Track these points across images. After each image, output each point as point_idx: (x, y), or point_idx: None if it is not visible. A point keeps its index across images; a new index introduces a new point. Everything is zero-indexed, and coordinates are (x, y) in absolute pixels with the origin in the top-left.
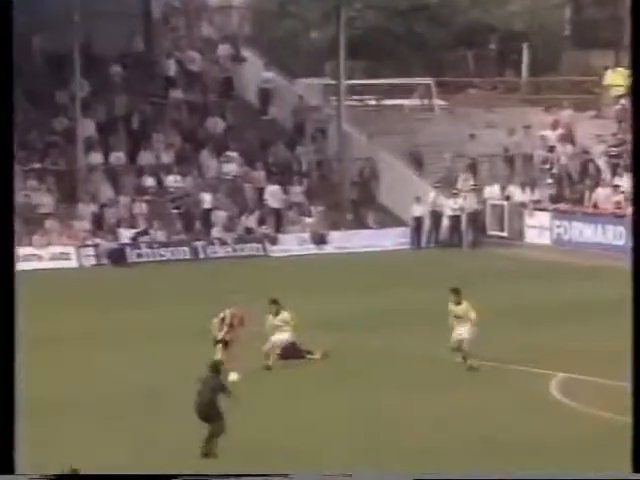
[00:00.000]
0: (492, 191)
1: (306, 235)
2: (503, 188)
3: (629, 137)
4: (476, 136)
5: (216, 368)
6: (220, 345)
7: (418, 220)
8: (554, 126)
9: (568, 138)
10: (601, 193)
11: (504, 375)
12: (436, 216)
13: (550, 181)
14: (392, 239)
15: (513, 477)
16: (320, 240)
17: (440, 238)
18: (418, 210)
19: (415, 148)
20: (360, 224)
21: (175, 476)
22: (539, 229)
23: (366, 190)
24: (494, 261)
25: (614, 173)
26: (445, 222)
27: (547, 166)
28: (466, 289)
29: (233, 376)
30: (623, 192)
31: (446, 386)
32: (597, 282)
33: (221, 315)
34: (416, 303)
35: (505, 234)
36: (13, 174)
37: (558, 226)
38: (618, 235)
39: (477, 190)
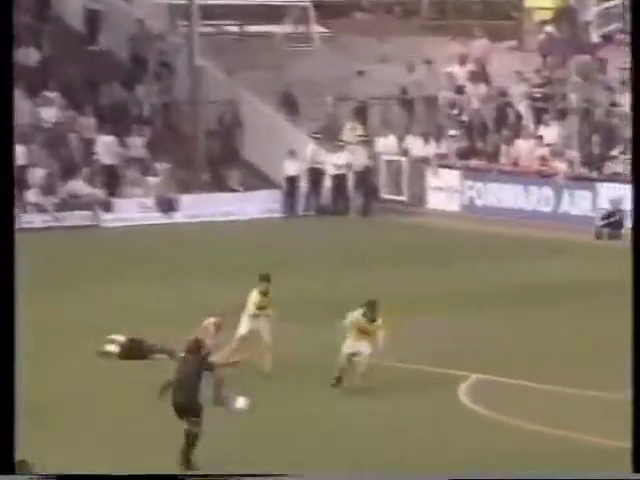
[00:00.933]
0: (386, 143)
1: (149, 200)
2: (400, 139)
3: (557, 75)
4: (365, 73)
5: (197, 345)
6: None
7: (292, 180)
8: (463, 60)
9: (481, 76)
10: (522, 146)
11: (409, 377)
12: (315, 175)
13: (458, 131)
14: (259, 205)
15: (513, 477)
16: (167, 206)
17: (321, 203)
18: (292, 168)
19: (288, 88)
20: (218, 186)
21: (175, 476)
22: (446, 192)
23: (226, 142)
24: (390, 233)
25: (538, 121)
26: (327, 183)
27: (455, 112)
28: (355, 270)
29: (241, 402)
30: (549, 145)
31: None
32: (521, 259)
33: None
34: (291, 291)
35: (403, 198)
36: None
37: (470, 188)
38: (544, 199)
39: (367, 142)
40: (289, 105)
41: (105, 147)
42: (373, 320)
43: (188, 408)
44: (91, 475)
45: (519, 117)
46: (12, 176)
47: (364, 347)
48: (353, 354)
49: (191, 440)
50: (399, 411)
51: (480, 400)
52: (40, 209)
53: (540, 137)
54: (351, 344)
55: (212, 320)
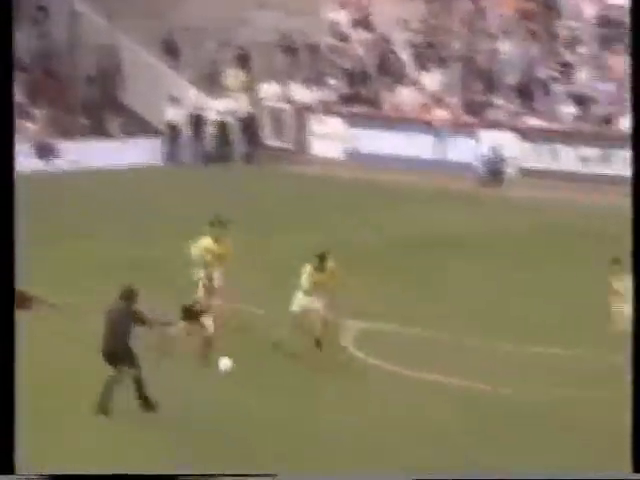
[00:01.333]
0: (269, 90)
1: (28, 146)
2: (283, 86)
3: (439, 22)
4: (247, 19)
5: (129, 295)
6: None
7: (174, 127)
8: (344, 5)
9: (364, 23)
10: (404, 93)
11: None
12: (198, 122)
13: (342, 78)
14: (141, 152)
15: (513, 477)
16: (47, 152)
17: (204, 150)
18: (174, 114)
19: (169, 34)
20: (99, 132)
21: (175, 476)
22: (330, 139)
23: (105, 88)
24: (275, 181)
25: (421, 68)
26: (210, 130)
27: (338, 59)
28: (238, 221)
29: (225, 363)
30: (431, 92)
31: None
32: (405, 208)
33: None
34: (169, 249)
35: (287, 146)
36: None
37: (353, 135)
38: (427, 147)
39: (250, 89)
40: (171, 52)
41: None
42: (323, 269)
43: (120, 355)
44: (91, 475)
45: (402, 64)
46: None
47: (320, 302)
48: (308, 310)
49: (116, 382)
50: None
51: (364, 347)
52: None
53: (422, 84)
54: (309, 302)
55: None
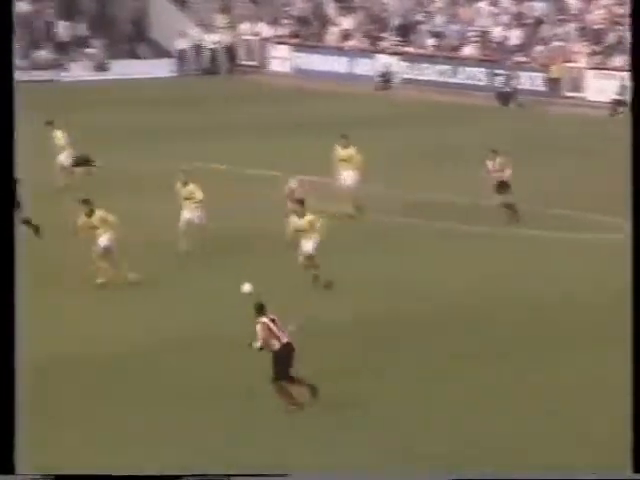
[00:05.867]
0: (243, 28)
1: (90, 63)
2: (252, 25)
3: None
4: None
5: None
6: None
7: (183, 52)
8: None
9: None
10: (329, 31)
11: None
12: (198, 49)
13: (290, 20)
14: (163, 67)
15: (513, 477)
16: (102, 68)
17: (201, 67)
18: (183, 43)
19: None
20: (134, 55)
21: (178, 477)
22: (281, 60)
23: (139, 26)
24: (244, 85)
25: (339, 15)
26: (206, 54)
27: (288, 7)
28: (228, 112)
29: (247, 287)
30: (346, 29)
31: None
32: (329, 103)
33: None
34: (183, 121)
35: (254, 64)
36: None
37: (297, 57)
38: (342, 65)
39: (231, 27)
40: (181, 1)
41: (62, 27)
42: (303, 215)
43: None
44: (91, 475)
45: (327, 12)
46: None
47: (310, 245)
48: (308, 256)
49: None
50: None
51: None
52: (17, 68)
53: (340, 24)
54: (302, 247)
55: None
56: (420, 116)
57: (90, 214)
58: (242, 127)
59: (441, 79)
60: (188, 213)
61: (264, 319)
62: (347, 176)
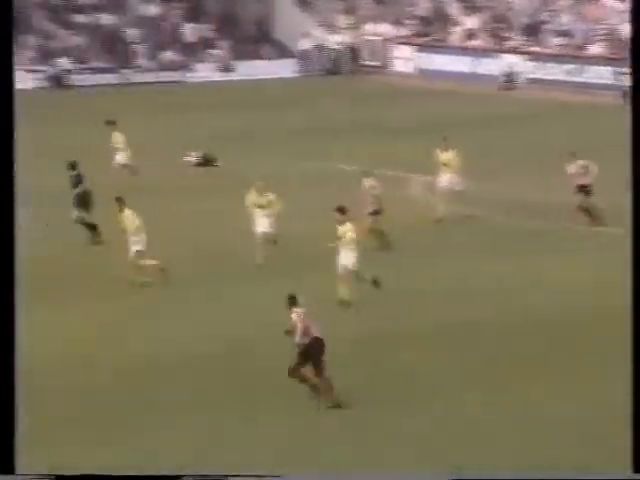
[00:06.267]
0: (366, 28)
1: (216, 65)
2: (375, 26)
3: None
4: None
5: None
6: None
7: (306, 52)
8: None
9: None
10: (453, 30)
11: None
12: (320, 49)
13: (413, 20)
14: (287, 67)
15: (513, 477)
16: (227, 68)
17: (325, 67)
18: (306, 44)
19: None
20: (258, 56)
21: (179, 476)
22: (404, 60)
23: (262, 27)
24: (367, 85)
25: (463, 14)
26: (329, 54)
27: (411, 8)
28: (347, 109)
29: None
30: (470, 29)
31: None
32: (452, 100)
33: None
34: (307, 121)
35: (377, 64)
36: None
37: (419, 57)
38: (466, 64)
39: (354, 28)
40: (304, 4)
41: (188, 29)
42: (343, 222)
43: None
44: (91, 475)
45: (450, 12)
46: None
47: (349, 257)
48: (346, 268)
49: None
50: None
51: None
52: (147, 70)
53: (464, 24)
54: (341, 258)
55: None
56: (546, 116)
57: (120, 212)
58: (365, 127)
59: (567, 78)
60: (263, 223)
61: (299, 309)
62: (445, 179)
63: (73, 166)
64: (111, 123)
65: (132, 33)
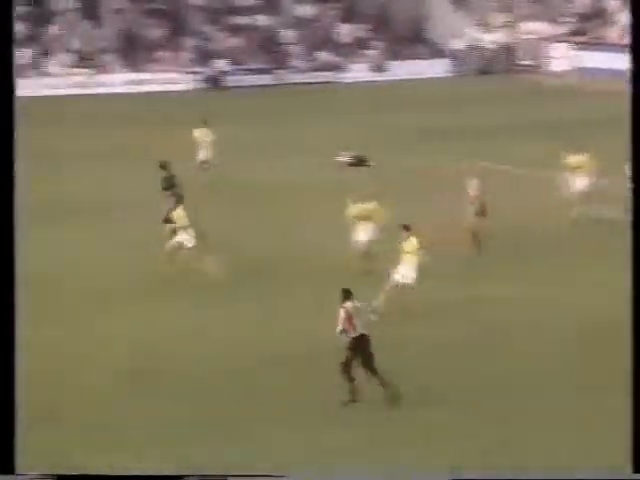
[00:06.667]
0: (522, 27)
1: (369, 65)
2: (532, 24)
3: None
4: None
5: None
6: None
7: (460, 52)
8: None
9: None
10: (608, 27)
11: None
12: (472, 49)
13: (569, 18)
14: (440, 67)
15: (513, 477)
16: (381, 69)
17: (478, 66)
18: (459, 43)
19: None
20: (412, 56)
21: (181, 477)
22: (560, 59)
23: (416, 27)
24: (521, 84)
25: (619, 10)
26: (483, 53)
27: (570, 5)
28: (507, 112)
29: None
30: (623, 24)
31: None
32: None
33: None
34: (451, 121)
35: (532, 63)
36: None
37: (576, 55)
38: (624, 62)
39: (509, 26)
40: (458, 2)
41: (344, 29)
42: (408, 237)
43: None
44: (91, 475)
45: (607, 8)
46: None
47: (408, 270)
48: (401, 283)
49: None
50: None
51: None
52: (301, 70)
53: (620, 21)
54: (399, 270)
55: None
56: None
57: (174, 209)
58: (522, 127)
59: None
60: (364, 234)
61: (348, 304)
62: (574, 182)
63: (165, 167)
64: (200, 121)
65: (287, 34)
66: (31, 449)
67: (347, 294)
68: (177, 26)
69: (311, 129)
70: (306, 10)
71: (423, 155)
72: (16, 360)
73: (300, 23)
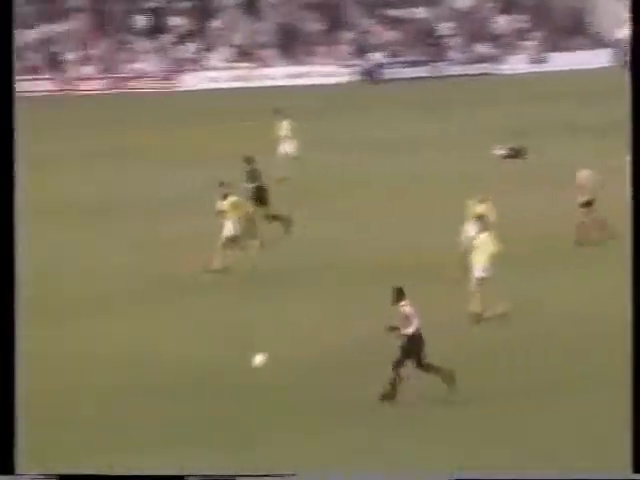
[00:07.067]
0: None
1: (528, 56)
2: None
3: None
4: None
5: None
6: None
7: (622, 41)
8: None
9: None
10: None
11: None
12: None
13: None
14: (601, 57)
15: (513, 477)
16: (539, 60)
17: None
18: (622, 33)
19: None
20: (571, 46)
21: (182, 477)
22: None
23: (578, 17)
24: None
25: None
26: None
27: None
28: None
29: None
30: None
31: None
32: None
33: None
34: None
35: None
36: None
37: None
38: None
39: None
40: None
41: (503, 21)
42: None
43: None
44: (91, 475)
45: None
46: None
47: (483, 264)
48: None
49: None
50: None
51: None
52: (459, 62)
53: None
54: (475, 263)
55: None
56: None
57: (224, 198)
58: None
59: None
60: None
61: (403, 303)
62: None
63: (249, 161)
64: (278, 112)
65: (445, 26)
66: (31, 449)
67: (400, 293)
68: (335, 20)
69: (467, 121)
70: (464, 2)
71: (586, 149)
72: (16, 360)
73: (458, 15)
